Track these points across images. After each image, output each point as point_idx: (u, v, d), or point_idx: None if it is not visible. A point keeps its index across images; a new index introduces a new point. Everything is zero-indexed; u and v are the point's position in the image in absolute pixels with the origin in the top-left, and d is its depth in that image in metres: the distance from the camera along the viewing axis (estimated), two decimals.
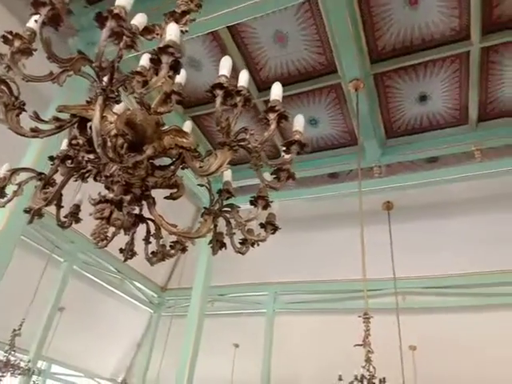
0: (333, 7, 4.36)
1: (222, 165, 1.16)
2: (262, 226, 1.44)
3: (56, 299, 7.39)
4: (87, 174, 1.31)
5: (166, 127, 1.29)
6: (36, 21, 1.04)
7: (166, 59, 1.03)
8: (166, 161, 1.49)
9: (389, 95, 5.49)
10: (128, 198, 1.21)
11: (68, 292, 7.65)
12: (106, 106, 1.06)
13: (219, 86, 1.12)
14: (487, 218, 6.93)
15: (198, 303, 6.53)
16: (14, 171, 1.34)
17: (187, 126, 1.47)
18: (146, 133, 1.21)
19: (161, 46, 1.04)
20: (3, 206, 1.35)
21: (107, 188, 1.23)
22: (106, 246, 1.40)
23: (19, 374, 6.47)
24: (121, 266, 8.47)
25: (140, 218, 1.42)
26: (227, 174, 1.50)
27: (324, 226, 8.04)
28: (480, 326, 6.90)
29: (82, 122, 1.25)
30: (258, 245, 1.43)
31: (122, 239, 1.63)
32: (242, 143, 1.17)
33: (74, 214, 1.46)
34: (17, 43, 1.08)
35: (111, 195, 1.19)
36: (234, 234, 1.43)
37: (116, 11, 1.02)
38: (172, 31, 1.08)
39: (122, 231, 1.41)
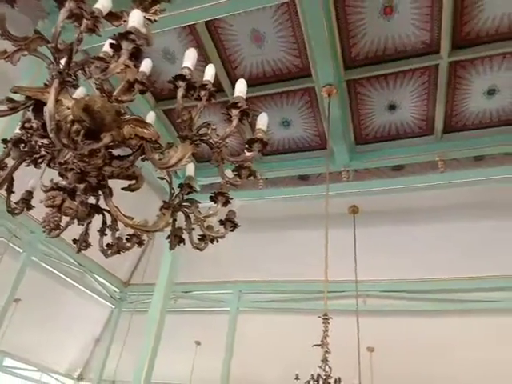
0: (310, 11, 4.40)
1: (183, 158, 1.14)
2: (222, 222, 1.42)
3: (12, 290, 7.10)
4: (40, 160, 1.26)
5: (127, 116, 1.26)
6: None
7: (126, 45, 1.00)
8: (129, 152, 1.45)
9: (360, 102, 5.60)
10: (82, 186, 1.18)
11: (25, 283, 7.37)
12: (62, 90, 1.02)
13: (181, 77, 1.10)
14: (447, 227, 7.20)
15: (160, 300, 6.44)
16: None
17: (150, 117, 1.44)
18: (105, 120, 1.17)
19: (122, 32, 1.00)
20: None
21: (61, 175, 1.19)
22: (58, 236, 1.35)
23: None
24: (83, 259, 8.24)
25: (96, 209, 1.38)
26: (190, 169, 1.48)
27: (291, 226, 8.11)
28: (436, 329, 7.17)
29: (38, 106, 1.20)
30: (217, 241, 1.42)
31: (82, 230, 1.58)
32: (204, 138, 1.16)
33: (26, 201, 1.40)
34: None
35: (64, 183, 1.15)
36: (193, 229, 1.41)
37: None
38: (135, 18, 1.06)
39: (76, 221, 1.37)
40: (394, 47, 4.90)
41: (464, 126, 5.67)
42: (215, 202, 1.38)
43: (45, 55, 1.05)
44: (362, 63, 5.10)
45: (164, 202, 1.37)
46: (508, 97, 5.25)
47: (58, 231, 1.26)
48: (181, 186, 1.46)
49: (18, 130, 1.31)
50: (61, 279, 8.43)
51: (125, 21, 1.40)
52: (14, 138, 1.28)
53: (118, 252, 1.45)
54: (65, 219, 1.29)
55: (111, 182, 1.40)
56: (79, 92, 1.27)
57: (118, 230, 1.44)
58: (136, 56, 1.03)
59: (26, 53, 1.04)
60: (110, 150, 1.25)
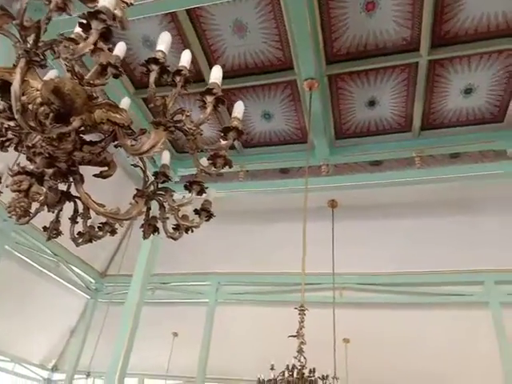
0: (293, 4, 4.38)
1: (156, 145, 1.11)
2: (197, 212, 1.41)
3: None
4: (7, 143, 1.21)
5: (99, 101, 1.22)
6: None
7: (95, 25, 0.97)
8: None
9: (341, 97, 5.63)
10: (51, 171, 1.14)
11: (0, 274, 7.17)
12: (29, 70, 0.98)
13: (155, 61, 1.07)
14: (423, 222, 7.36)
15: (137, 291, 6.37)
16: None
17: (124, 102, 1.40)
18: (75, 104, 1.13)
19: (92, 11, 0.97)
20: None
21: (29, 159, 1.15)
22: (27, 223, 1.31)
23: None
24: (58, 248, 8.06)
25: (67, 196, 1.34)
26: (165, 157, 1.46)
27: (271, 219, 8.14)
28: (410, 322, 7.34)
29: (6, 86, 1.15)
30: (192, 231, 1.40)
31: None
32: (178, 125, 1.13)
33: None
34: None
35: (32, 167, 1.11)
36: (168, 218, 1.39)
37: None
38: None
39: (46, 208, 1.33)
40: (376, 43, 4.93)
41: (441, 123, 5.78)
42: (190, 191, 1.37)
43: (12, 34, 1.01)
44: (344, 58, 5.12)
45: (137, 189, 1.34)
46: (484, 96, 5.37)
47: (26, 218, 1.22)
48: (156, 174, 1.44)
49: None
50: (35, 269, 8.22)
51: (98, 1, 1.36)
52: None
53: (90, 241, 1.42)
54: (34, 206, 1.25)
55: (84, 169, 1.37)
56: (51, 74, 1.23)
57: (89, 218, 1.40)
58: (106, 37, 0.99)
59: None
60: (81, 135, 1.22)
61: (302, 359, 3.70)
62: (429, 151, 5.90)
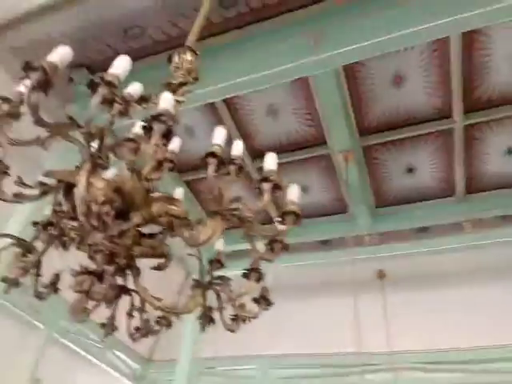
0: (322, 85, 4.62)
1: (214, 235, 1.10)
2: (256, 300, 1.34)
3: (33, 369, 6.79)
4: (69, 243, 1.24)
5: (156, 194, 1.25)
6: (26, 85, 1.03)
7: (157, 127, 1.02)
8: (154, 228, 1.43)
9: (377, 166, 5.62)
10: (111, 268, 1.14)
11: (46, 361, 7.08)
12: (93, 173, 1.02)
13: (212, 154, 1.10)
14: (482, 290, 6.80)
15: (183, 379, 6.08)
16: None
17: (179, 192, 1.43)
18: (135, 200, 1.17)
19: (153, 114, 1.03)
20: None
21: (90, 257, 1.16)
22: (84, 321, 1.29)
23: None
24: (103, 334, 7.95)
25: (123, 290, 1.32)
26: (219, 243, 1.44)
27: (315, 294, 7.79)
28: None
29: (69, 188, 1.20)
30: (250, 321, 1.33)
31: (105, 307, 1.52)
32: (235, 212, 1.13)
33: (53, 284, 1.36)
34: (5, 107, 1.07)
35: (93, 266, 1.11)
36: (225, 308, 1.34)
37: (109, 78, 1.03)
38: (166, 100, 1.08)
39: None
40: (407, 113, 5.01)
41: (486, 186, 5.58)
42: (248, 279, 1.32)
43: (76, 139, 1.08)
44: (376, 130, 5.21)
45: (194, 280, 1.31)
46: None
47: (83, 315, 1.20)
48: (210, 261, 1.41)
49: (47, 213, 1.32)
50: (81, 356, 8.10)
51: (154, 103, 1.45)
52: (43, 221, 1.28)
53: (146, 336, 1.37)
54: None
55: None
56: (109, 173, 1.29)
57: (146, 312, 1.37)
58: (167, 136, 1.04)
59: (59, 138, 1.06)
60: (138, 229, 1.23)
61: None
62: (477, 215, 5.65)
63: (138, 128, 1.35)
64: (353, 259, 4.76)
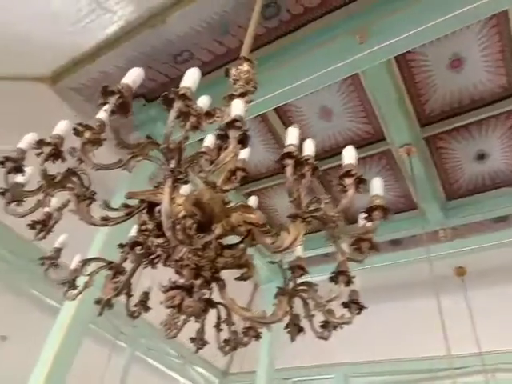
0: (375, 80, 4.47)
1: (296, 239, 1.07)
2: (346, 305, 1.28)
3: None
4: (156, 260, 1.27)
5: (231, 204, 1.25)
6: (105, 110, 1.08)
7: (233, 134, 1.02)
8: (230, 240, 1.43)
9: (444, 157, 5.31)
10: (198, 282, 1.14)
11: (131, 378, 7.38)
12: (174, 188, 1.04)
13: (288, 155, 1.07)
14: None
15: None
16: (85, 262, 1.33)
17: (252, 201, 1.42)
18: (214, 212, 1.17)
19: (228, 121, 1.03)
20: (74, 299, 1.32)
21: (177, 273, 1.17)
22: (175, 336, 1.30)
23: None
24: (182, 349, 8.17)
25: (210, 303, 1.33)
26: (298, 249, 1.40)
27: (391, 297, 7.45)
28: None
29: (150, 207, 1.24)
30: (342, 327, 1.27)
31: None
32: (316, 214, 1.09)
33: (143, 303, 1.40)
34: (87, 134, 1.13)
35: (182, 281, 1.12)
36: (314, 316, 1.29)
37: (182, 91, 1.05)
38: (237, 106, 1.08)
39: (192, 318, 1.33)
40: (470, 97, 4.70)
41: None
42: (336, 283, 1.27)
43: (156, 157, 1.11)
44: (439, 118, 4.93)
45: (278, 288, 1.28)
46: None
47: (175, 331, 1.22)
48: (291, 268, 1.38)
49: (132, 233, 1.36)
50: (163, 372, 8.39)
51: (218, 117, 1.47)
52: (130, 241, 1.32)
53: (235, 348, 1.36)
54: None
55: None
56: (185, 188, 1.31)
57: (233, 324, 1.36)
58: (243, 142, 1.04)
59: (139, 158, 1.09)
60: (219, 241, 1.23)
61: None
62: None
63: (207, 142, 1.37)
64: (428, 257, 4.49)
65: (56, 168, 1.17)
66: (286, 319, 1.31)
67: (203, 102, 1.28)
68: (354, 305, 1.30)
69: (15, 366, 6.07)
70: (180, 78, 1.38)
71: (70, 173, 1.15)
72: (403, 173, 5.50)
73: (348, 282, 1.27)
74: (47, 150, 1.13)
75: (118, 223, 1.17)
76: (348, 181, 1.12)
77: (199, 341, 1.38)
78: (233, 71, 1.67)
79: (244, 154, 1.39)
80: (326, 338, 1.29)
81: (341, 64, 3.95)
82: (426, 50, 4.36)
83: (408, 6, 3.76)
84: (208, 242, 1.12)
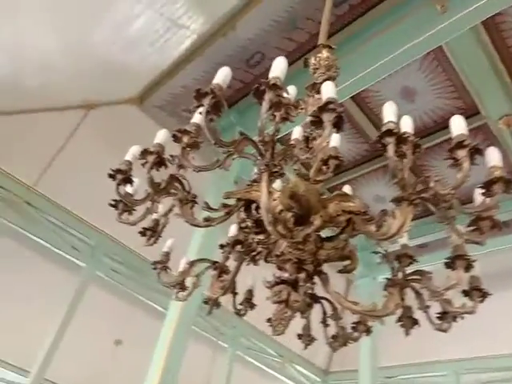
0: (462, 50, 4.10)
1: (404, 224, 0.99)
2: (466, 293, 1.16)
3: None
4: (258, 257, 1.27)
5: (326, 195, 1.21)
6: (200, 113, 1.11)
7: (327, 117, 0.97)
8: (326, 233, 1.38)
9: None
10: (302, 276, 1.12)
11: (234, 377, 7.65)
12: (270, 182, 1.03)
13: (389, 133, 1.00)
14: None
15: None
16: (193, 263, 1.38)
17: (347, 189, 1.36)
18: (311, 203, 1.14)
19: (320, 104, 0.99)
20: (185, 300, 1.37)
21: (279, 268, 1.16)
22: (283, 333, 1.29)
23: None
24: (281, 349, 8.26)
25: (314, 298, 1.29)
26: (404, 236, 1.31)
27: (504, 284, 6.74)
28: None
29: (247, 205, 1.25)
30: (463, 318, 1.15)
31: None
32: (425, 194, 1.00)
33: (248, 300, 1.41)
34: (185, 139, 1.17)
35: (286, 275, 1.11)
36: (429, 307, 1.19)
37: (272, 82, 1.03)
38: (328, 88, 1.04)
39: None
40: None
41: None
42: (452, 269, 1.15)
43: (250, 154, 1.11)
44: None
45: (387, 279, 1.20)
46: None
47: (282, 328, 1.20)
48: (397, 257, 1.29)
49: (232, 233, 1.39)
50: (264, 371, 8.56)
51: (302, 108, 1.43)
52: (230, 241, 1.35)
53: (345, 344, 1.30)
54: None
55: None
56: (276, 184, 1.30)
57: (340, 318, 1.31)
58: (339, 126, 0.99)
59: (235, 156, 1.11)
60: (318, 233, 1.20)
61: None
62: None
63: (296, 134, 1.35)
64: None
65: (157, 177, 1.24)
66: (398, 312, 1.22)
67: (291, 92, 1.26)
68: (476, 292, 1.17)
69: (130, 367, 6.62)
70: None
71: (173, 179, 1.20)
72: (504, 147, 4.95)
73: (468, 267, 1.14)
74: (151, 158, 1.19)
75: (219, 223, 1.20)
76: (461, 153, 1.01)
77: (307, 337, 1.36)
78: (312, 60, 1.63)
79: (335, 141, 1.34)
80: (445, 330, 1.18)
81: (422, 38, 3.68)
82: None
83: None
84: (308, 235, 1.09)
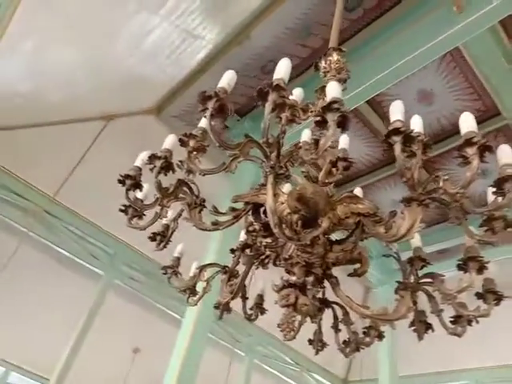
0: (480, 51, 4.03)
1: (414, 225, 0.96)
2: (480, 295, 1.12)
3: None
4: (266, 260, 1.26)
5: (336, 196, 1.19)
6: (205, 116, 1.11)
7: (331, 117, 0.96)
8: (338, 237, 1.36)
9: None
10: (311, 279, 1.10)
11: None
12: (276, 184, 1.02)
13: (395, 131, 0.98)
14: None
15: None
16: (202, 268, 1.39)
17: (358, 191, 1.34)
18: (319, 206, 1.12)
19: (324, 104, 0.98)
20: (196, 304, 1.37)
21: (287, 271, 1.15)
22: (294, 338, 1.27)
23: None
24: (299, 357, 8.16)
25: (325, 303, 1.27)
26: (416, 239, 1.28)
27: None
28: None
29: (256, 209, 1.24)
30: (478, 322, 1.11)
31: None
32: (435, 195, 0.97)
33: (259, 305, 1.40)
34: (191, 143, 1.18)
35: (294, 278, 1.09)
36: (443, 311, 1.15)
37: (275, 83, 1.03)
38: (333, 89, 1.03)
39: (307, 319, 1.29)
40: None
41: None
42: (465, 271, 1.12)
43: (256, 157, 1.11)
44: None
45: (398, 282, 1.18)
46: None
47: (293, 333, 1.19)
48: (410, 260, 1.26)
49: (241, 237, 1.38)
50: (281, 379, 8.47)
51: (311, 111, 1.43)
52: (240, 245, 1.34)
53: (357, 349, 1.27)
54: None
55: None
56: (286, 187, 1.29)
57: (352, 323, 1.29)
58: (344, 126, 0.98)
59: (240, 159, 1.11)
60: (327, 236, 1.18)
61: None
62: None
63: (304, 137, 1.34)
64: None
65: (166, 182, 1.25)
66: (410, 317, 1.19)
67: (296, 94, 1.26)
68: (491, 295, 1.13)
69: (148, 374, 6.65)
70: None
71: (181, 183, 1.21)
72: None
73: (481, 269, 1.10)
74: (159, 163, 1.21)
75: (227, 226, 1.20)
76: (470, 150, 0.98)
77: (318, 342, 1.33)
78: (322, 63, 1.62)
79: (344, 143, 1.33)
80: (459, 335, 1.14)
81: (438, 40, 3.62)
82: None
83: None
84: (316, 238, 1.08)
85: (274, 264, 1.23)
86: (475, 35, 3.75)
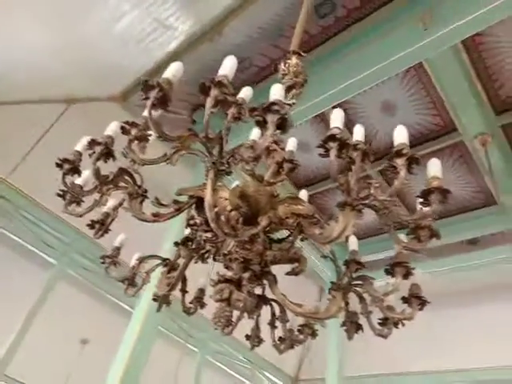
0: (441, 68, 4.20)
1: (346, 228, 1.01)
2: (406, 300, 1.19)
3: None
4: (207, 255, 1.27)
5: (280, 197, 1.22)
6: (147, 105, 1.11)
7: (271, 118, 0.99)
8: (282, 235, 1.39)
9: None
10: (247, 275, 1.13)
11: (203, 382, 7.57)
12: (218, 180, 1.03)
13: (332, 138, 1.02)
14: None
15: None
16: (142, 259, 1.38)
17: (303, 194, 1.38)
18: (260, 204, 1.15)
19: (265, 105, 1.00)
20: (134, 295, 1.37)
21: (226, 267, 1.17)
22: (231, 333, 1.29)
23: None
24: (251, 355, 8.21)
25: (263, 300, 1.30)
26: (353, 242, 1.33)
27: (470, 301, 6.87)
28: None
29: (200, 202, 1.25)
30: (403, 324, 1.17)
31: (250, 325, 1.52)
32: (366, 201, 1.02)
33: (199, 299, 1.41)
34: (133, 131, 1.17)
35: (229, 274, 1.11)
36: (371, 312, 1.21)
37: (218, 79, 1.04)
38: (275, 91, 1.06)
39: (246, 315, 1.31)
40: None
41: None
42: (392, 275, 1.17)
43: (199, 150, 1.11)
44: None
45: (332, 283, 1.22)
46: None
47: (230, 327, 1.21)
48: (346, 262, 1.31)
49: (185, 231, 1.39)
50: (232, 377, 8.50)
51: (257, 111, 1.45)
52: (182, 239, 1.35)
53: (291, 346, 1.31)
54: (235, 314, 1.24)
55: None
56: (234, 185, 1.31)
57: (287, 320, 1.32)
58: (283, 128, 1.00)
59: (183, 152, 1.11)
60: (268, 235, 1.21)
61: None
62: None
63: (253, 136, 1.36)
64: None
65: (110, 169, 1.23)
66: (342, 316, 1.24)
67: (245, 93, 1.27)
68: (416, 299, 1.19)
69: (95, 366, 6.51)
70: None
71: (123, 171, 1.20)
72: (479, 166, 5.07)
73: (406, 275, 1.16)
74: (99, 149, 1.19)
75: (168, 219, 1.20)
76: (400, 161, 1.03)
77: (255, 338, 1.36)
78: (281, 66, 1.65)
79: (291, 145, 1.36)
80: (385, 336, 1.20)
81: (404, 53, 3.75)
82: (497, 30, 4.00)
83: None
84: (255, 235, 1.10)
85: (214, 259, 1.25)
86: (439, 53, 3.92)
